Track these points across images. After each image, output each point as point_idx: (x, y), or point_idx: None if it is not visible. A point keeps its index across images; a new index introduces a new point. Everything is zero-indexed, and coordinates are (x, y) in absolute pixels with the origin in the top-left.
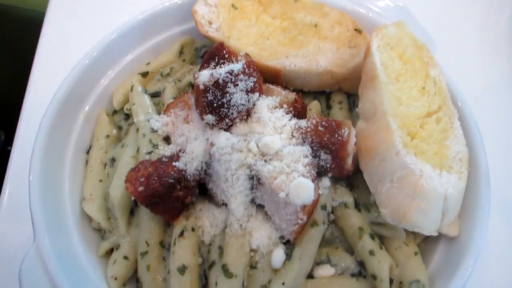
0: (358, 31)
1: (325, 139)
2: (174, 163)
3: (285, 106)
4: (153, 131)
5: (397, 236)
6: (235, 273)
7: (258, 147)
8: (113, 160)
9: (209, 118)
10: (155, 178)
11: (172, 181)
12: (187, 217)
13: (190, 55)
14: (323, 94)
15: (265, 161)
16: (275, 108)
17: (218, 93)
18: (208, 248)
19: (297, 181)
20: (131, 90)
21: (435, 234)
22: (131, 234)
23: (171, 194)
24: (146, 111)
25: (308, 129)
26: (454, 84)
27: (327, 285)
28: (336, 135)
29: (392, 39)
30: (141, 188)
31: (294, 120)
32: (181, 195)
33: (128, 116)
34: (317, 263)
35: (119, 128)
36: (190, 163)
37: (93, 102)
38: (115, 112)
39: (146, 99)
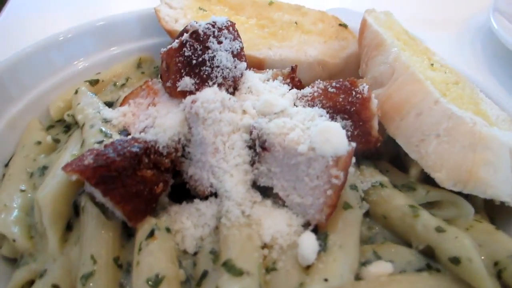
0: (343, 26)
1: (340, 100)
2: (139, 135)
3: (279, 78)
4: (106, 121)
5: (463, 214)
6: (246, 269)
7: (255, 109)
8: (44, 168)
9: (187, 82)
10: (111, 149)
11: (137, 150)
12: (158, 216)
13: (149, 71)
14: None
15: (270, 120)
16: (267, 81)
17: (198, 46)
18: (194, 260)
19: (323, 125)
20: (75, 93)
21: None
22: (66, 254)
23: (135, 171)
24: (95, 106)
25: (316, 94)
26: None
27: (390, 284)
28: (354, 93)
29: (384, 23)
30: (88, 160)
31: (295, 90)
32: (149, 177)
33: (68, 128)
34: (363, 263)
35: (56, 141)
36: (162, 134)
37: (22, 108)
38: (51, 127)
39: (95, 99)
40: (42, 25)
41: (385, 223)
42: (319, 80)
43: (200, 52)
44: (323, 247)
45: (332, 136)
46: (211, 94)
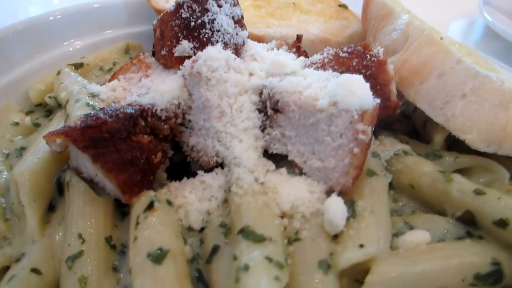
0: (343, 6)
1: (354, 64)
2: (134, 98)
3: (284, 47)
4: (93, 95)
5: (498, 178)
6: (267, 235)
7: (262, 72)
8: (22, 149)
9: (185, 46)
10: (101, 112)
11: (132, 111)
12: (156, 189)
13: None
14: None
15: (281, 79)
16: (272, 50)
17: (196, 7)
18: (200, 237)
19: (345, 77)
20: (58, 73)
21: None
22: (48, 236)
23: (129, 136)
24: (81, 83)
25: (326, 60)
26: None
27: (433, 252)
28: (368, 57)
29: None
30: (75, 122)
31: (302, 57)
32: (146, 143)
33: (50, 113)
34: (394, 235)
35: (36, 125)
36: (159, 97)
37: None
38: (30, 112)
39: (80, 78)
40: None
41: (412, 193)
42: (328, 47)
43: (199, 14)
44: (352, 214)
45: (356, 88)
46: (214, 52)
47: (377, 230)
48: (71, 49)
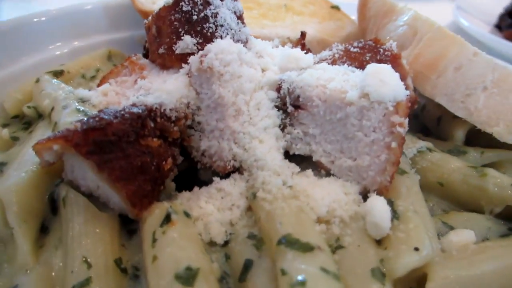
0: (335, 8)
1: (368, 59)
2: (136, 99)
3: (288, 44)
4: (83, 100)
5: None
6: (314, 243)
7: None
8: (1, 165)
9: (188, 41)
10: (105, 114)
11: (139, 111)
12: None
13: None
14: None
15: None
16: (277, 47)
17: (198, 0)
18: (225, 251)
19: (374, 67)
20: (36, 81)
21: None
22: (44, 262)
23: (138, 139)
24: (65, 89)
25: (337, 56)
26: None
27: (486, 251)
28: (382, 51)
29: None
30: (77, 124)
31: (311, 54)
32: (156, 148)
33: (29, 125)
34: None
35: (14, 139)
36: (166, 96)
37: None
38: (5, 125)
39: (63, 85)
40: None
41: (442, 191)
42: (336, 43)
43: (201, 7)
44: (394, 215)
45: (388, 78)
46: (226, 45)
47: (427, 231)
48: (48, 56)
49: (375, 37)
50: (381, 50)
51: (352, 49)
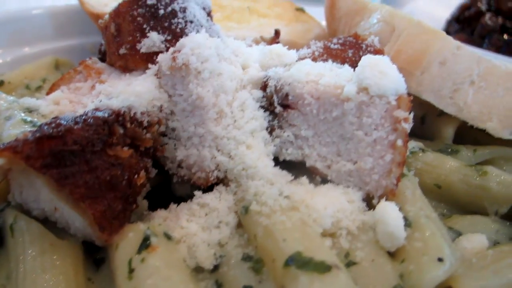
0: (300, 10)
1: (350, 56)
2: (99, 103)
3: (262, 43)
4: (29, 110)
5: None
6: (331, 262)
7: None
8: None
9: (154, 38)
10: (63, 119)
11: (105, 115)
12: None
13: None
14: None
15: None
16: (250, 46)
17: None
18: (216, 278)
19: (371, 58)
20: None
21: None
22: None
23: (105, 148)
24: (8, 99)
25: (317, 53)
26: None
27: (505, 258)
28: (364, 46)
29: None
30: (28, 133)
31: (293, 50)
32: (127, 159)
33: None
34: None
35: None
36: (136, 98)
37: None
38: None
39: (4, 95)
40: None
41: (439, 194)
42: (313, 40)
43: (167, 1)
44: (405, 222)
45: (387, 69)
46: (202, 38)
47: (444, 239)
48: None
49: (355, 32)
50: (363, 46)
51: (332, 46)
